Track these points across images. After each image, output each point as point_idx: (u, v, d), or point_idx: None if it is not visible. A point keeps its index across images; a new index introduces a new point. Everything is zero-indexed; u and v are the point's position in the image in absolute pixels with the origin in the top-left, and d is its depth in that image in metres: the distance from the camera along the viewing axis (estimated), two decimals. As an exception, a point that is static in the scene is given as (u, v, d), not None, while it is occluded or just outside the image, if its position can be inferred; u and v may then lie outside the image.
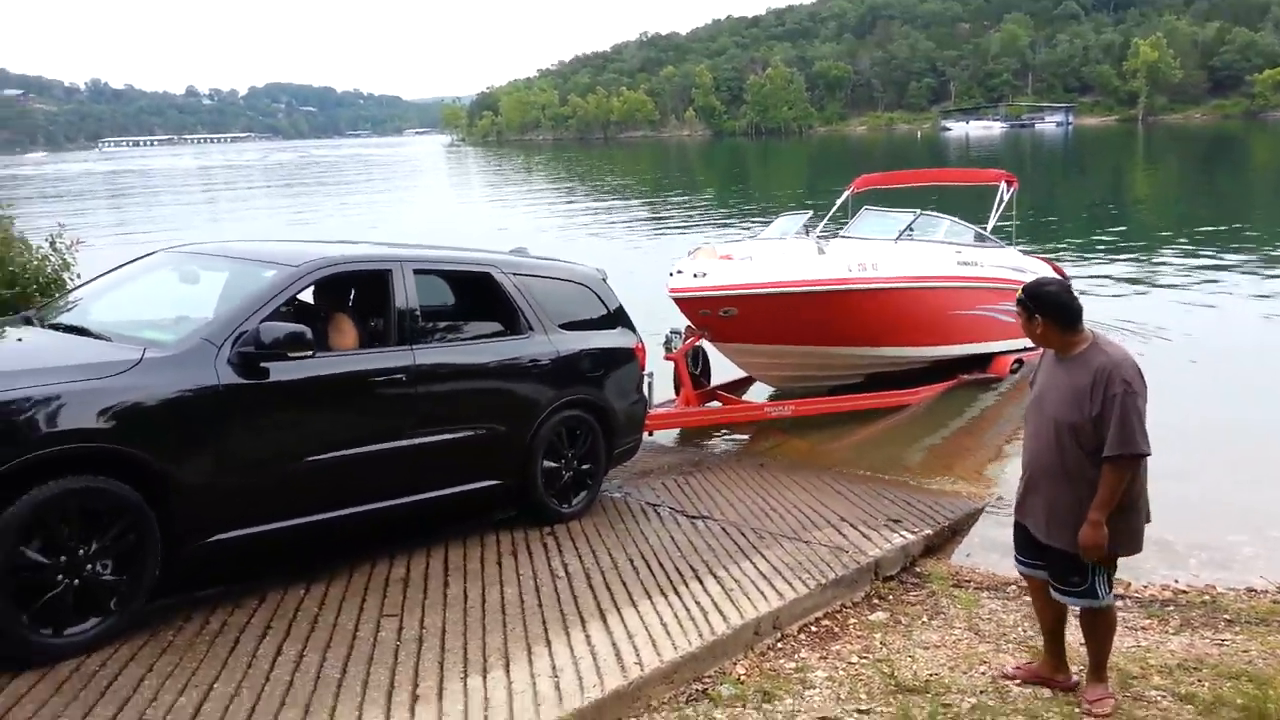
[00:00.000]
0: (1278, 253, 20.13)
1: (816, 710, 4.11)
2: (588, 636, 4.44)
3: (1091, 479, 3.86)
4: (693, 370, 9.86)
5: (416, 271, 5.53)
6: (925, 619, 5.16)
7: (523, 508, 5.98)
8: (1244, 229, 23.16)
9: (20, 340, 4.81)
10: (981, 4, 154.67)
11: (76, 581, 3.98)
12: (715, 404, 9.84)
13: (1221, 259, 18.98)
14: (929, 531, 6.18)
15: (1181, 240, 21.69)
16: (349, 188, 53.04)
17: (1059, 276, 8.82)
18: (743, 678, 4.39)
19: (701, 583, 5.13)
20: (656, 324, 9.68)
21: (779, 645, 4.77)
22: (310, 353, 4.69)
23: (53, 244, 7.67)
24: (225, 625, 4.39)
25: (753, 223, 24.91)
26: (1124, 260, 19.40)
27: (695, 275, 9.02)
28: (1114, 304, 14.74)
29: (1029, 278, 6.35)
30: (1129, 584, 5.59)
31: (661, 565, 5.36)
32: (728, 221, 28.92)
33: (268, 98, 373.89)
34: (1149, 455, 3.88)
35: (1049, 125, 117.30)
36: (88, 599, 4.02)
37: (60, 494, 3.91)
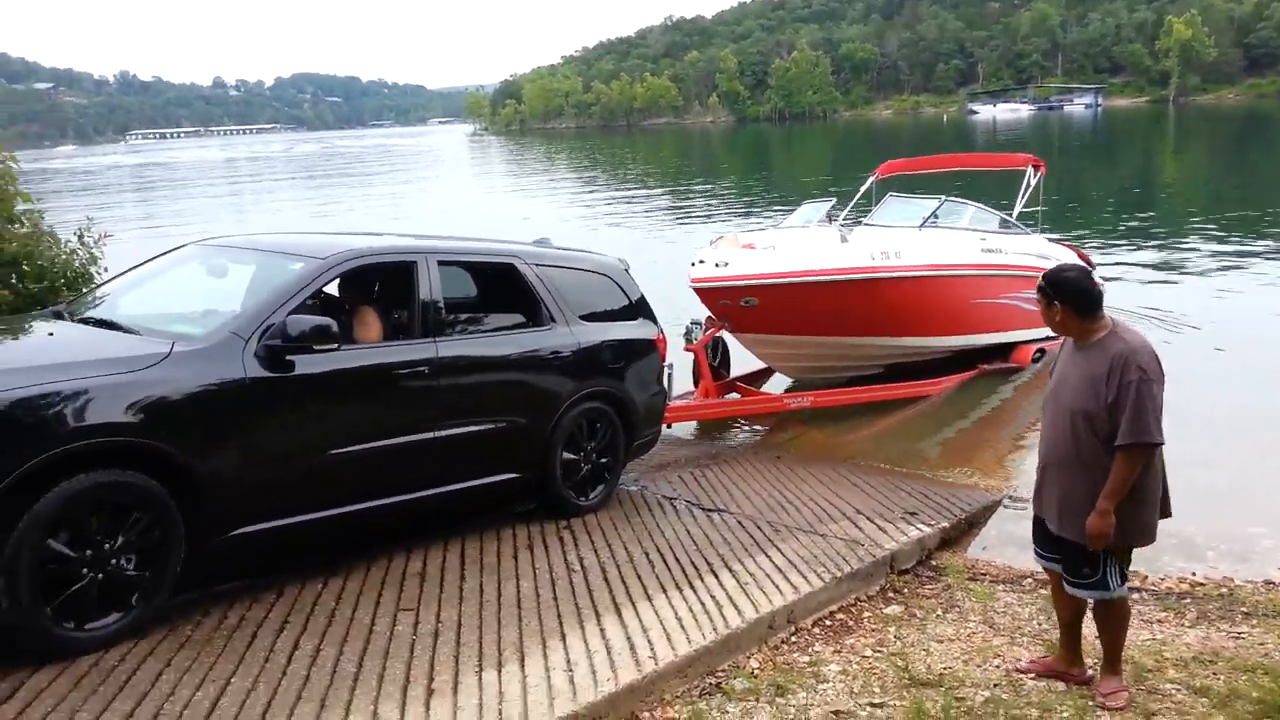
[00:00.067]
0: (1309, 237, 19.83)
1: (830, 704, 4.12)
2: (602, 630, 4.47)
3: (1106, 468, 3.83)
4: (712, 361, 9.82)
5: (440, 263, 5.53)
6: (940, 612, 5.16)
7: (541, 500, 6.00)
8: (1275, 212, 22.78)
9: (51, 334, 4.85)
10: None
11: (100, 575, 4.03)
12: (734, 395, 9.80)
13: (1251, 244, 18.69)
14: (945, 524, 6.17)
15: (1210, 225, 21.36)
16: (372, 179, 53.24)
17: (1080, 263, 8.73)
18: (756, 671, 4.41)
19: (716, 576, 5.15)
20: (678, 314, 9.68)
21: (793, 639, 4.78)
22: (336, 345, 4.71)
23: (80, 238, 7.75)
24: (243, 620, 4.43)
25: (776, 210, 24.81)
26: (1151, 246, 19.14)
27: (717, 265, 8.96)
28: (1141, 290, 14.57)
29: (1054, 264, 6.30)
30: (1145, 576, 5.56)
31: (677, 559, 5.39)
32: (751, 209, 28.83)
33: (293, 88, 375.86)
34: (1162, 444, 3.84)
35: (1077, 107, 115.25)
36: (110, 593, 4.07)
37: (90, 487, 3.96)
